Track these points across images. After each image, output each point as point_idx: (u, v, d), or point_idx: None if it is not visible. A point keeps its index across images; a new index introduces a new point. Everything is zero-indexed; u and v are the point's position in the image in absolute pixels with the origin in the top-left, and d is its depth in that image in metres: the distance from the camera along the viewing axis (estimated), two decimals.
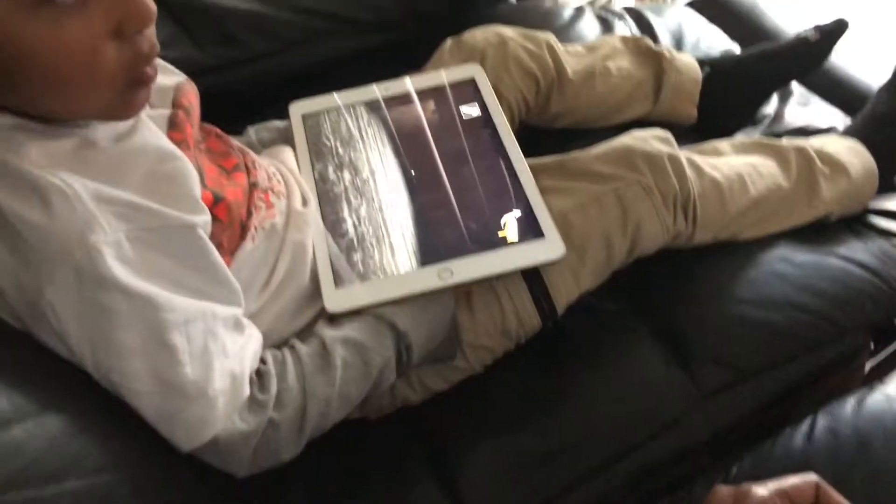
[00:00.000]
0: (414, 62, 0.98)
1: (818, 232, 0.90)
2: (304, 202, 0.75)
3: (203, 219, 0.59)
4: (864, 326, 0.84)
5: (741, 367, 0.79)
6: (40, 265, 0.51)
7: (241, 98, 1.05)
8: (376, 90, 0.87)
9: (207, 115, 0.77)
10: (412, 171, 0.78)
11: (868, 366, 0.94)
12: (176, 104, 0.68)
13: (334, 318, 0.68)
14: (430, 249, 0.72)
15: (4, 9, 0.49)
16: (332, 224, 0.75)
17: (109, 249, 0.52)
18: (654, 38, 1.23)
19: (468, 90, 0.85)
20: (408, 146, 0.81)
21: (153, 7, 0.54)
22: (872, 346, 0.89)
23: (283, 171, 0.77)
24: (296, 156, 0.81)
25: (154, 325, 0.54)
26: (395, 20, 1.15)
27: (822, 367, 0.81)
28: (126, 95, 0.57)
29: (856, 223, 0.94)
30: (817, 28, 1.04)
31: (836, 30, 1.03)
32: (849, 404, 0.71)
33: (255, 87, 1.08)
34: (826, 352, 0.81)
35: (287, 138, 0.85)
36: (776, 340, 0.80)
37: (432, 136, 0.81)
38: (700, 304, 0.83)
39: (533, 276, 0.77)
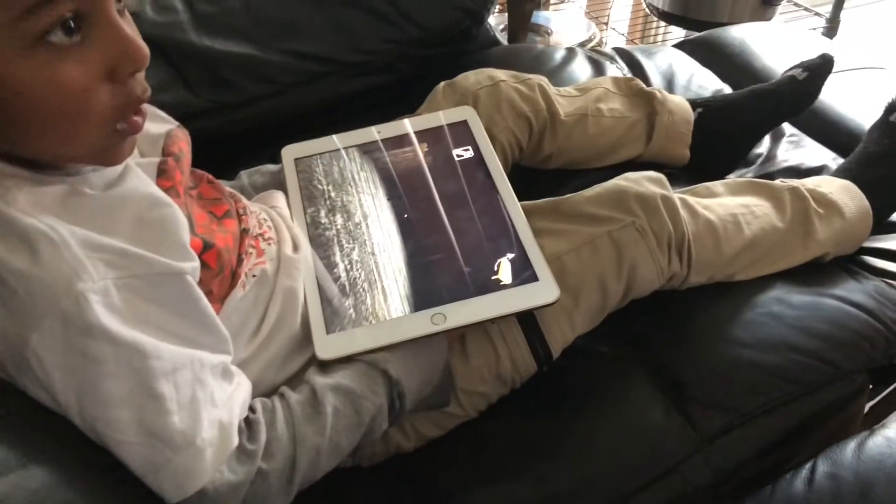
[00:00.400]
0: (408, 104, 0.99)
1: (814, 273, 0.89)
2: (296, 248, 0.74)
3: (192, 265, 0.58)
4: (862, 368, 0.83)
5: (740, 411, 0.78)
6: (26, 313, 0.51)
7: (235, 141, 1.05)
8: (369, 133, 0.87)
9: (201, 159, 0.77)
10: (405, 215, 0.78)
11: (867, 407, 0.93)
12: (166, 152, 0.68)
13: (325, 365, 0.67)
14: (423, 294, 0.71)
15: (6, 51, 0.49)
16: (324, 269, 0.74)
17: (97, 297, 0.51)
18: (646, 79, 1.24)
19: (461, 132, 0.85)
20: (400, 189, 0.80)
21: (147, 50, 0.55)
22: (872, 388, 0.88)
23: (275, 216, 0.77)
24: (288, 200, 0.81)
25: (141, 373, 0.53)
26: (389, 63, 1.16)
27: (821, 410, 0.80)
28: (114, 140, 0.57)
29: (851, 263, 0.94)
30: (803, 65, 1.05)
31: (822, 65, 1.04)
32: (849, 448, 0.70)
33: (248, 131, 1.08)
34: (825, 394, 0.80)
35: (280, 182, 0.85)
36: (774, 382, 0.79)
37: (425, 179, 0.81)
38: (696, 347, 0.82)
39: (527, 320, 0.76)
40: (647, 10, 2.14)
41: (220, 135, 1.06)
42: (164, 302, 0.55)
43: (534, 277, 0.71)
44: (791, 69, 1.06)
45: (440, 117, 0.87)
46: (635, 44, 2.22)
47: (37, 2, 0.48)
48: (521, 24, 1.79)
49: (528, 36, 1.89)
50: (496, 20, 2.09)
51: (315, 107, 1.12)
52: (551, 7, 2.29)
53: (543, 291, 0.70)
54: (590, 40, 2.02)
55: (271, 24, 1.11)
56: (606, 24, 2.13)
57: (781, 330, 0.82)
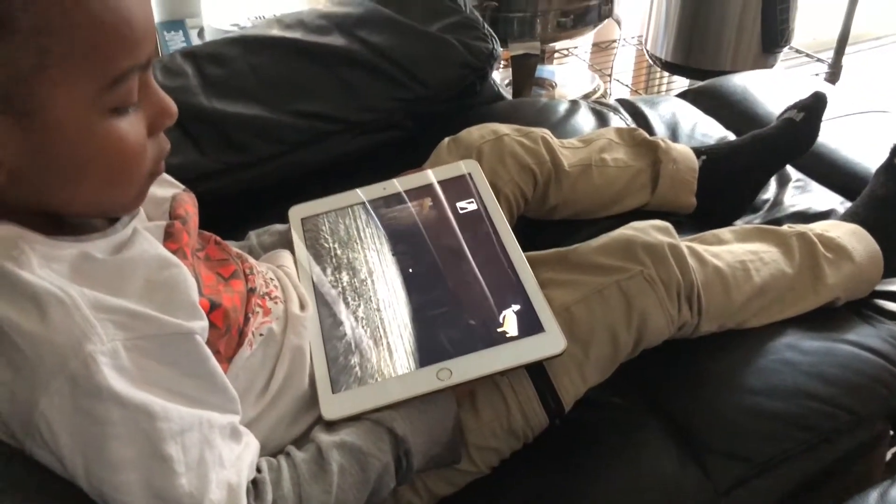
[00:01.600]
0: (414, 160, 1.00)
1: (826, 318, 0.88)
2: (303, 306, 0.75)
3: (201, 325, 0.58)
4: (880, 414, 0.82)
5: (756, 461, 0.76)
6: (35, 376, 0.51)
7: (245, 201, 1.06)
8: (374, 190, 0.88)
9: (211, 220, 0.78)
10: (410, 269, 0.78)
11: (889, 454, 0.91)
12: (172, 215, 0.70)
13: (331, 423, 0.66)
14: (429, 349, 0.71)
15: (89, 114, 0.54)
16: (330, 327, 0.74)
17: (105, 359, 0.51)
18: (649, 129, 1.25)
19: (464, 185, 0.86)
20: (405, 244, 0.81)
21: (175, 106, 0.61)
22: (893, 434, 0.87)
23: (282, 275, 0.78)
24: (294, 259, 0.81)
25: (149, 435, 0.52)
26: (395, 121, 1.18)
27: (840, 458, 0.78)
28: (146, 187, 0.62)
29: (864, 308, 0.93)
30: (798, 106, 1.06)
31: (816, 103, 1.05)
32: (871, 498, 0.68)
33: (257, 190, 1.09)
34: (843, 441, 0.79)
35: (288, 242, 0.85)
36: (790, 431, 0.78)
37: (429, 233, 0.82)
38: (709, 396, 0.81)
39: (538, 373, 0.76)
40: (649, 61, 2.17)
41: (230, 195, 1.07)
42: (174, 362, 0.56)
43: (540, 328, 0.71)
44: (786, 111, 1.07)
45: (443, 171, 0.88)
46: (639, 94, 2.25)
47: (120, 74, 0.54)
48: (525, 78, 1.82)
49: (532, 90, 1.92)
50: (501, 75, 2.12)
51: (323, 165, 1.14)
52: (555, 61, 2.32)
53: (550, 342, 0.70)
54: (594, 92, 2.05)
55: (278, 85, 1.13)
56: (610, 75, 2.16)
57: (795, 377, 0.81)
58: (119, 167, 0.57)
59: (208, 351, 0.58)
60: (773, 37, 1.95)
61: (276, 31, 1.20)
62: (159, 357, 0.55)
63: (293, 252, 0.83)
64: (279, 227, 0.89)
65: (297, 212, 0.87)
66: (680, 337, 0.83)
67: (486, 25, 1.24)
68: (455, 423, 0.70)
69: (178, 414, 0.54)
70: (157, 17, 1.77)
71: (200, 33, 1.75)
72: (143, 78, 0.58)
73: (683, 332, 0.83)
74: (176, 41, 1.68)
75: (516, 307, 0.73)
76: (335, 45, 1.16)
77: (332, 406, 0.67)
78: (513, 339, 0.71)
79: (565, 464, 0.78)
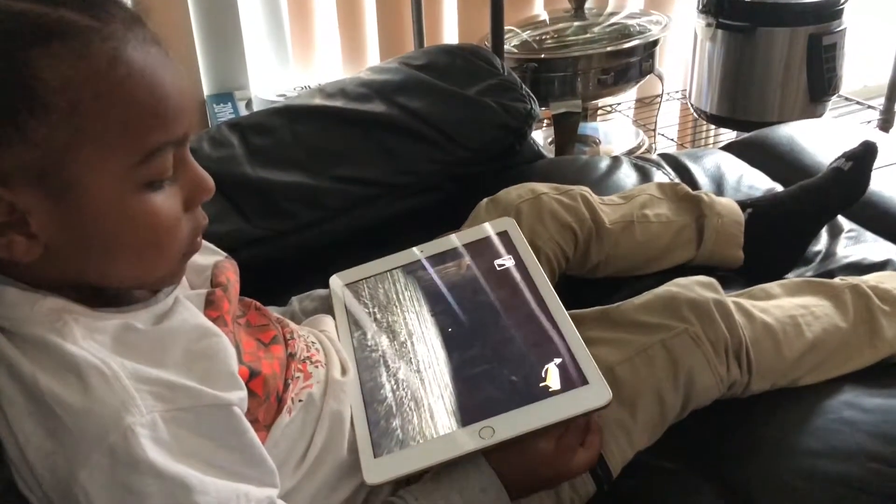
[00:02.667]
0: (454, 222, 1.00)
1: (885, 374, 0.84)
2: (344, 371, 0.75)
3: (239, 395, 0.58)
4: None
5: None
6: (76, 448, 0.51)
7: (287, 267, 1.08)
8: (411, 254, 0.88)
9: (253, 286, 0.79)
10: (449, 329, 0.78)
11: None
12: (214, 282, 0.71)
13: None
14: (470, 408, 0.70)
15: (123, 189, 0.55)
16: (371, 391, 0.74)
17: (144, 430, 0.52)
18: (694, 182, 1.24)
19: (501, 243, 0.86)
20: (444, 305, 0.81)
21: (213, 181, 0.61)
22: None
23: (324, 339, 0.78)
24: (336, 326, 0.82)
25: None
26: (435, 183, 1.19)
27: None
28: (183, 263, 0.63)
29: None
30: (846, 155, 1.03)
31: (866, 152, 1.02)
32: None
33: (300, 256, 1.10)
34: None
35: (329, 307, 0.86)
36: (853, 496, 0.73)
37: (467, 291, 0.81)
38: (765, 459, 0.77)
39: None
40: (694, 114, 2.16)
41: (273, 261, 1.08)
42: (211, 434, 0.55)
43: (584, 380, 0.69)
44: (835, 161, 1.05)
45: (480, 230, 0.88)
46: (685, 148, 2.23)
47: (153, 149, 0.55)
48: (567, 136, 1.82)
49: (576, 147, 1.92)
50: (544, 133, 2.13)
51: (365, 229, 1.15)
52: (599, 117, 2.33)
53: (595, 394, 0.68)
54: (638, 147, 2.03)
55: (321, 152, 1.16)
56: (654, 130, 2.15)
57: (857, 437, 0.77)
58: (153, 241, 0.58)
59: (247, 423, 0.58)
60: (820, 85, 1.92)
61: (318, 101, 1.23)
62: (197, 429, 0.55)
63: (335, 319, 0.83)
64: (321, 292, 0.90)
65: (338, 280, 0.88)
66: (731, 396, 0.80)
67: (523, 86, 1.26)
68: None
69: (215, 487, 0.54)
70: (207, 90, 1.84)
71: (248, 104, 1.81)
72: (180, 153, 0.59)
73: (734, 391, 0.80)
74: (225, 113, 1.74)
75: (558, 360, 0.71)
76: (375, 111, 1.19)
77: (375, 470, 0.67)
78: (556, 392, 0.69)
79: None
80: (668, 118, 2.31)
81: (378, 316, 0.82)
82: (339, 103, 1.21)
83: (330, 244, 1.12)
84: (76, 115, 0.52)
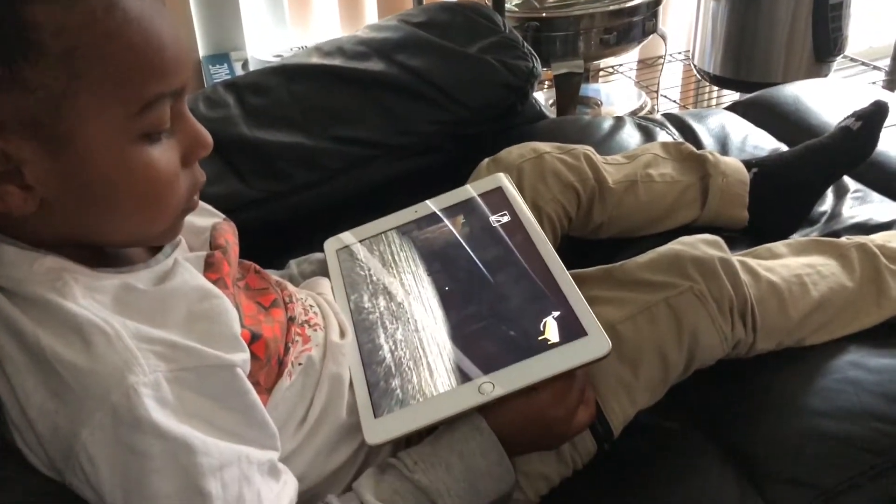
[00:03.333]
0: (456, 182, 0.98)
1: (891, 332, 0.83)
2: (343, 334, 0.74)
3: (242, 357, 0.58)
4: None
5: (822, 488, 0.71)
6: (79, 407, 0.51)
7: (286, 229, 1.06)
8: (407, 214, 0.87)
9: (252, 249, 0.78)
10: (446, 287, 0.77)
11: None
12: (213, 245, 0.70)
13: (369, 463, 0.65)
14: (469, 365, 0.69)
15: (120, 140, 0.54)
16: (369, 352, 0.73)
17: (147, 391, 0.51)
18: (698, 143, 1.22)
19: (496, 200, 0.85)
20: (440, 264, 0.80)
21: (210, 137, 0.60)
22: None
23: (322, 302, 0.77)
24: (332, 288, 0.81)
25: (189, 469, 0.52)
26: (436, 144, 1.17)
27: None
28: (181, 219, 0.63)
29: None
30: (856, 115, 1.01)
31: (876, 113, 1.00)
32: None
33: (299, 218, 1.09)
34: None
35: (327, 271, 0.85)
36: (858, 455, 0.73)
37: (463, 249, 0.80)
38: (770, 419, 0.77)
39: None
40: (697, 75, 2.13)
41: (272, 223, 1.07)
42: (214, 395, 0.55)
43: (582, 332, 0.68)
44: (844, 120, 1.03)
45: (473, 188, 0.87)
46: (688, 109, 2.20)
47: (151, 100, 0.54)
48: (569, 97, 1.79)
49: (577, 108, 1.89)
50: (545, 95, 2.10)
51: (365, 191, 1.13)
52: (601, 79, 2.30)
53: (594, 345, 0.67)
54: (641, 109, 2.01)
55: (319, 112, 1.14)
56: (657, 92, 2.12)
57: (862, 397, 0.76)
58: (151, 195, 0.57)
59: (249, 385, 0.57)
60: (825, 45, 1.89)
61: (315, 59, 1.21)
62: (200, 389, 0.54)
63: (331, 283, 0.82)
64: (319, 255, 0.89)
65: (332, 244, 0.87)
66: (735, 356, 0.79)
67: (525, 44, 1.23)
68: (511, 489, 0.67)
69: (218, 449, 0.53)
70: (203, 50, 1.81)
71: (245, 65, 1.78)
72: (177, 107, 0.57)
73: (738, 350, 0.79)
74: (221, 74, 1.71)
75: (556, 313, 0.70)
76: (374, 70, 1.16)
77: (375, 430, 0.66)
78: (555, 345, 0.68)
79: (617, 493, 0.75)
80: (671, 80, 2.28)
81: (374, 278, 0.81)
82: (336, 62, 1.19)
83: (328, 206, 1.11)
84: (71, 62, 0.50)
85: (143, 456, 0.51)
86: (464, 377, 0.68)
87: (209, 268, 0.65)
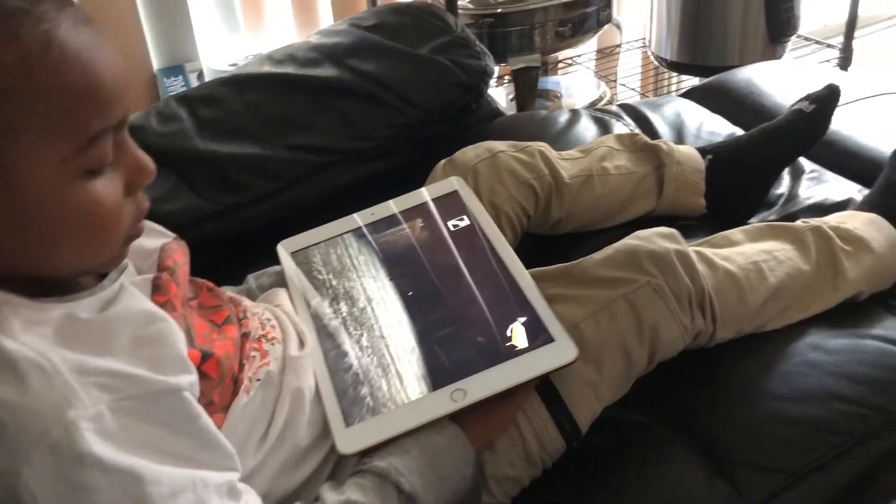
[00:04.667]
0: (414, 186, 0.97)
1: (849, 313, 0.85)
2: (302, 345, 0.73)
3: (189, 379, 0.57)
4: None
5: (787, 471, 0.72)
6: (17, 446, 0.49)
7: (245, 243, 1.05)
8: (363, 216, 0.86)
9: (208, 266, 0.77)
10: (409, 293, 0.76)
11: None
12: (161, 266, 0.69)
13: (336, 481, 0.64)
14: (440, 371, 0.69)
15: (62, 177, 0.53)
16: (335, 359, 0.72)
17: (88, 424, 0.50)
18: (654, 132, 1.22)
19: (453, 203, 0.85)
20: (401, 268, 0.79)
21: (153, 164, 0.60)
22: None
23: (280, 314, 0.76)
24: (290, 295, 0.80)
25: (138, 500, 0.50)
26: (392, 147, 1.16)
27: (876, 462, 0.74)
28: (126, 247, 0.62)
29: (890, 299, 0.88)
30: (809, 97, 1.02)
31: (829, 96, 1.01)
32: None
33: (257, 230, 1.08)
34: (877, 444, 0.74)
35: (284, 281, 0.84)
36: (820, 437, 0.74)
37: (424, 253, 0.80)
38: (733, 406, 0.77)
39: (550, 396, 0.73)
40: (654, 62, 2.14)
41: (231, 236, 1.06)
42: (162, 421, 0.54)
43: (549, 339, 0.69)
44: (797, 103, 1.04)
45: (429, 191, 0.87)
46: (647, 97, 2.21)
47: (92, 136, 0.53)
48: (528, 91, 1.79)
49: (537, 102, 1.89)
50: (505, 90, 2.10)
51: (324, 198, 1.12)
52: (560, 71, 2.30)
53: (562, 351, 0.68)
54: (601, 99, 2.01)
55: (273, 121, 1.13)
56: (616, 81, 2.12)
57: (821, 378, 0.77)
58: (94, 229, 0.57)
59: (199, 407, 0.56)
60: (779, 26, 1.91)
61: (267, 68, 1.19)
62: (146, 417, 0.53)
63: (289, 289, 0.81)
64: (277, 267, 0.88)
65: (286, 246, 0.86)
66: (697, 347, 0.80)
67: (478, 43, 1.23)
68: (475, 470, 0.67)
69: (170, 476, 0.52)
70: (157, 63, 1.78)
71: (200, 76, 1.76)
72: (119, 138, 0.57)
73: (699, 341, 0.79)
74: (176, 86, 1.69)
75: (522, 319, 0.71)
76: (327, 76, 1.16)
77: (348, 440, 0.66)
78: (523, 351, 0.69)
79: (587, 489, 0.75)
80: (630, 68, 2.29)
81: (333, 282, 0.80)
82: (289, 69, 1.18)
83: (288, 216, 1.09)
84: (8, 103, 0.50)
85: (89, 490, 0.50)
86: (435, 384, 0.68)
87: (157, 290, 0.65)
